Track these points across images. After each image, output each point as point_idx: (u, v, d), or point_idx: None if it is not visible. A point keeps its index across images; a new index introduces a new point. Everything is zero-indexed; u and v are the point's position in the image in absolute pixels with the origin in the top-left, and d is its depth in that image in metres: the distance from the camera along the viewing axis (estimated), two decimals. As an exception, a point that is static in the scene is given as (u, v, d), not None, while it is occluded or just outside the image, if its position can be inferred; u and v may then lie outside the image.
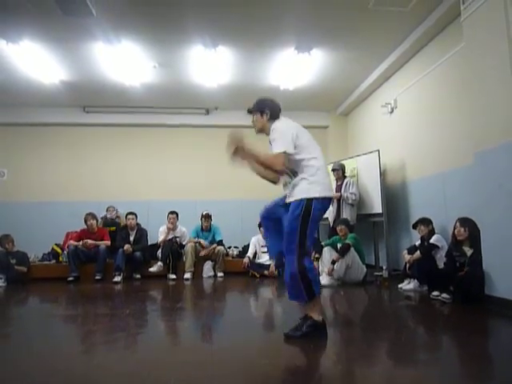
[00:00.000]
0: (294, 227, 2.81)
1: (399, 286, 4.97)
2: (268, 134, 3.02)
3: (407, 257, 4.90)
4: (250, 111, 3.15)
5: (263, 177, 3.08)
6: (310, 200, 2.80)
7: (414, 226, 5.05)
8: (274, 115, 3.06)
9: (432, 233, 4.83)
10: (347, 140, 8.57)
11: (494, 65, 3.68)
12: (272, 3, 4.69)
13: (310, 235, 2.86)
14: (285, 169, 2.90)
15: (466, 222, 4.14)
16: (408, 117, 6.08)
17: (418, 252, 4.76)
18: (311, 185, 2.84)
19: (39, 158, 8.06)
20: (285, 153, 2.80)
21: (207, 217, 7.02)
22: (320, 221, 3.08)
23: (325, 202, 2.88)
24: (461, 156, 4.70)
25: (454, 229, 4.21)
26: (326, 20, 5.06)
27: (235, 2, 4.68)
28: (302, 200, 2.82)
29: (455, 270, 4.09)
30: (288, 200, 2.94)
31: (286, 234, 2.88)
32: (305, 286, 2.76)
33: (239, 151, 2.91)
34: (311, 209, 2.80)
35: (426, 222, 4.92)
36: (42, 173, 8.01)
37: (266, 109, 3.05)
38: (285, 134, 2.86)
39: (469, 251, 4.08)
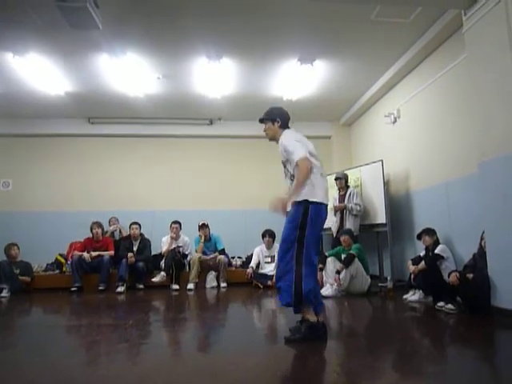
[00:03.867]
0: (293, 236, 2.91)
1: (404, 296, 4.93)
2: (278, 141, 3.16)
3: (412, 267, 4.87)
4: (261, 120, 3.30)
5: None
6: (309, 203, 2.92)
7: (419, 237, 5.02)
8: (285, 123, 3.23)
9: (436, 243, 4.81)
10: (350, 150, 8.58)
11: (496, 75, 3.69)
12: (275, 15, 4.73)
13: (312, 242, 2.94)
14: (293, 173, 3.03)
15: None
16: (411, 126, 6.09)
17: (423, 263, 4.72)
18: (313, 188, 2.95)
19: (44, 169, 8.11)
20: (306, 157, 2.92)
21: (203, 226, 6.99)
22: (321, 228, 3.11)
23: (322, 208, 3.00)
24: (464, 165, 4.70)
25: (482, 240, 4.09)
26: (329, 31, 5.10)
27: (239, 15, 4.73)
28: (301, 202, 2.93)
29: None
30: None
31: (283, 242, 2.98)
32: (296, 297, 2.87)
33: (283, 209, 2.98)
34: (308, 213, 2.91)
35: (430, 232, 4.89)
36: (47, 183, 8.04)
37: (277, 117, 3.21)
38: (297, 144, 3.01)
39: None
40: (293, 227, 2.94)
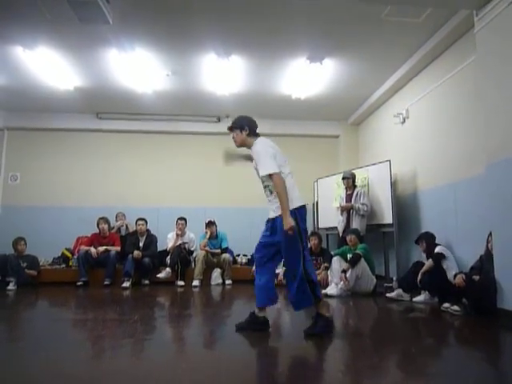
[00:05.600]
0: (296, 240, 3.08)
1: (409, 297, 4.91)
2: (249, 147, 3.36)
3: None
4: (230, 128, 3.44)
5: None
6: (294, 210, 3.11)
7: (417, 242, 5.06)
8: (253, 131, 3.38)
9: (435, 245, 4.83)
10: (358, 150, 8.54)
11: (508, 74, 3.66)
12: (285, 14, 4.72)
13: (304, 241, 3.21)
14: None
15: None
16: (420, 127, 6.05)
17: (430, 260, 4.66)
18: (291, 199, 3.12)
19: (52, 163, 8.14)
20: (277, 173, 3.09)
21: (210, 224, 7.01)
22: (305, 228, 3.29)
23: (302, 210, 3.21)
24: (472, 167, 4.67)
25: (488, 242, 4.06)
26: (338, 30, 5.08)
27: (248, 13, 4.72)
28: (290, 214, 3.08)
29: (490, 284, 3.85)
30: (273, 215, 3.27)
31: (289, 249, 3.12)
32: (311, 290, 3.06)
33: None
34: (298, 219, 3.11)
35: (427, 236, 4.96)
36: (55, 177, 8.09)
37: (245, 125, 3.36)
38: (268, 156, 3.15)
39: None
40: (295, 239, 3.09)
